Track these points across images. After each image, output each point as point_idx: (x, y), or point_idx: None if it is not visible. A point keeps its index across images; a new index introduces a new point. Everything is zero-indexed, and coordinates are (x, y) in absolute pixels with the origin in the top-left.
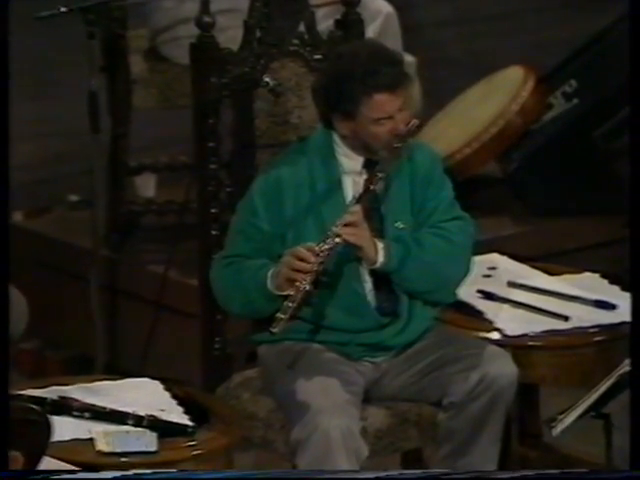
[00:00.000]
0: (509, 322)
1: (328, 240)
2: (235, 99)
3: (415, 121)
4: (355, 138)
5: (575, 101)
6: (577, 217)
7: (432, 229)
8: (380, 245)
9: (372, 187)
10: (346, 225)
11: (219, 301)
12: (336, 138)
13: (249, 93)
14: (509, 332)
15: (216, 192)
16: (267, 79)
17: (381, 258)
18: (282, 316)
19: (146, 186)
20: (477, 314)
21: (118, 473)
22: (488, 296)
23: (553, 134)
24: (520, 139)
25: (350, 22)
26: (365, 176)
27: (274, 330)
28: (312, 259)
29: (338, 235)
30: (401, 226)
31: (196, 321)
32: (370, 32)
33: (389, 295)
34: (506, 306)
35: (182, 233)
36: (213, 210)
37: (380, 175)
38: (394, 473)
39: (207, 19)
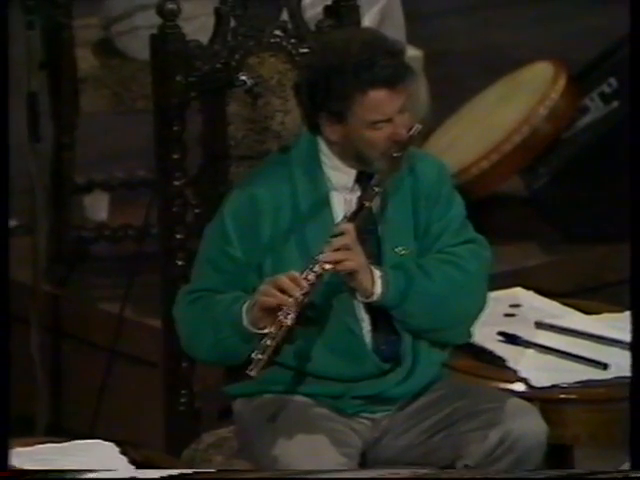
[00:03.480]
0: (536, 371)
1: (315, 267)
2: (205, 101)
3: (418, 126)
4: (346, 146)
5: (615, 104)
6: (617, 244)
7: (439, 255)
8: (377, 273)
9: (366, 205)
10: (336, 249)
11: (184, 345)
12: (323, 146)
13: (221, 94)
14: (536, 383)
15: (182, 214)
16: (243, 77)
17: (378, 289)
18: (260, 356)
19: (97, 207)
20: (497, 361)
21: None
22: (511, 339)
23: (588, 143)
24: (549, 150)
25: (343, 9)
26: (358, 192)
27: (251, 373)
28: (295, 290)
29: (326, 261)
30: (402, 251)
31: (158, 370)
32: (367, 21)
33: (389, 335)
34: (532, 351)
35: (141, 264)
36: (178, 235)
37: (376, 190)
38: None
39: (171, 5)
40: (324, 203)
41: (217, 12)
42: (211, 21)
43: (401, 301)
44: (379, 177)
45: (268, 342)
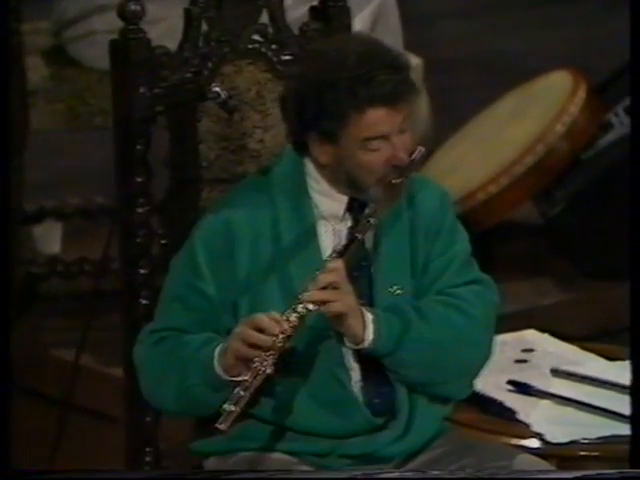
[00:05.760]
0: (552, 425)
1: (298, 307)
2: (173, 117)
3: (421, 149)
4: (337, 169)
5: None
6: None
7: (440, 297)
8: (369, 317)
9: (359, 238)
10: (322, 288)
11: (146, 393)
12: (310, 169)
13: (192, 108)
14: (552, 438)
15: (146, 245)
16: (217, 89)
17: (369, 335)
18: (232, 408)
19: (49, 239)
20: (507, 413)
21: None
22: (522, 389)
23: (612, 165)
24: (566, 172)
25: (331, 10)
26: (349, 223)
27: (221, 427)
28: (275, 331)
29: (310, 301)
30: (397, 291)
31: (119, 425)
32: (358, 24)
33: (381, 386)
34: (547, 402)
35: (99, 303)
36: (142, 270)
37: (370, 222)
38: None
39: (134, 6)
40: (310, 234)
41: (187, 14)
42: (180, 24)
43: (395, 349)
44: (374, 206)
45: (242, 392)
